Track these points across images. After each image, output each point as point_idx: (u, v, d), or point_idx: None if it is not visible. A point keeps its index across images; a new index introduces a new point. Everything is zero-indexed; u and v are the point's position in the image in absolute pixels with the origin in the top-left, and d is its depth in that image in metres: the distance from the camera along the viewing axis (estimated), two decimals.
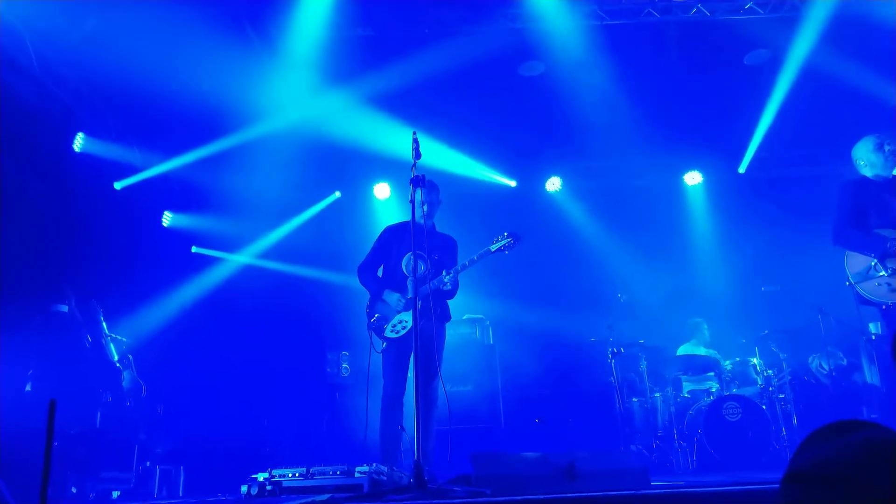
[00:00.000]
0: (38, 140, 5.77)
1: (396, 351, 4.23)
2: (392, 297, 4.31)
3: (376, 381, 4.19)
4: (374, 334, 4.28)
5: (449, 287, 4.21)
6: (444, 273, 4.23)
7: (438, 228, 4.64)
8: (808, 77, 6.60)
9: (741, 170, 8.28)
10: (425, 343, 3.88)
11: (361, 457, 3.79)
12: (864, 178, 4.14)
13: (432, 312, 3.95)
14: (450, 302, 4.51)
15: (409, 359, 4.22)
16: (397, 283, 4.37)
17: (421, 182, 3.50)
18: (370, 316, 4.35)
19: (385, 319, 4.28)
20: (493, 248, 4.28)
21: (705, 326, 6.95)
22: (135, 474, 5.37)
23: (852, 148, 4.24)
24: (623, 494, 2.06)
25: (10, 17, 5.09)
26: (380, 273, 4.56)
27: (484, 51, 6.24)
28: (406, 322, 4.22)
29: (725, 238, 8.17)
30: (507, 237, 4.28)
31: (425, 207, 4.26)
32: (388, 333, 4.24)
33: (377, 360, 4.25)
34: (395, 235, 4.56)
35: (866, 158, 4.14)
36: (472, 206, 7.49)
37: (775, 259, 7.57)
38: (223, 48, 5.82)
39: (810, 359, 6.47)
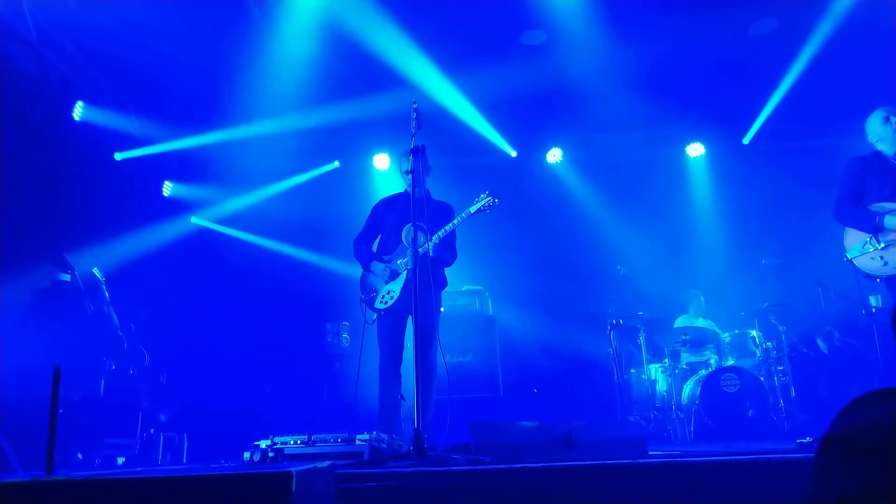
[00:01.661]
0: (37, 109, 5.73)
1: (389, 321, 4.27)
2: (378, 268, 4.33)
3: (371, 353, 4.24)
4: (366, 307, 4.31)
5: (431, 254, 4.06)
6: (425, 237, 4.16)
7: (436, 196, 4.63)
8: (817, 48, 6.51)
9: (745, 141, 8.22)
10: (419, 311, 3.85)
11: (360, 425, 3.84)
12: (874, 154, 4.14)
13: (422, 279, 3.92)
14: (449, 271, 4.51)
15: (403, 328, 4.28)
16: (389, 254, 4.38)
17: (421, 153, 3.48)
18: (364, 289, 4.37)
19: (375, 291, 4.31)
20: (473, 209, 4.17)
21: (702, 298, 6.97)
22: (139, 441, 5.44)
23: (865, 121, 4.22)
24: (620, 464, 2.09)
25: None
26: (375, 246, 4.57)
27: (486, 19, 6.14)
28: (393, 292, 4.24)
29: (727, 210, 8.14)
30: (487, 196, 4.16)
31: (410, 177, 4.26)
32: (378, 305, 4.27)
33: (371, 332, 4.30)
34: (387, 207, 4.56)
35: (875, 133, 4.12)
36: (471, 175, 7.46)
37: (777, 232, 7.56)
38: (221, 14, 5.74)
39: (818, 340, 6.48)
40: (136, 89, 6.69)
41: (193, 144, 7.23)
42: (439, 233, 4.17)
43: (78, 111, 6.19)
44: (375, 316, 4.30)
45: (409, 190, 4.34)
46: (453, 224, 4.20)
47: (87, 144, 6.27)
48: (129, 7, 5.38)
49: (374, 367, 4.32)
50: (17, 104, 5.34)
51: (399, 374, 4.26)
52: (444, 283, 4.46)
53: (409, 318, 4.26)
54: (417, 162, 3.57)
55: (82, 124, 6.24)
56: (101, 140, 6.49)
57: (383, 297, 4.28)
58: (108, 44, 5.81)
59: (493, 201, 4.15)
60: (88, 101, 6.31)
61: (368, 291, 4.34)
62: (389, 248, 4.42)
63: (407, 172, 4.28)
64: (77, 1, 5.31)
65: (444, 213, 4.47)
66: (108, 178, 6.60)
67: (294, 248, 7.94)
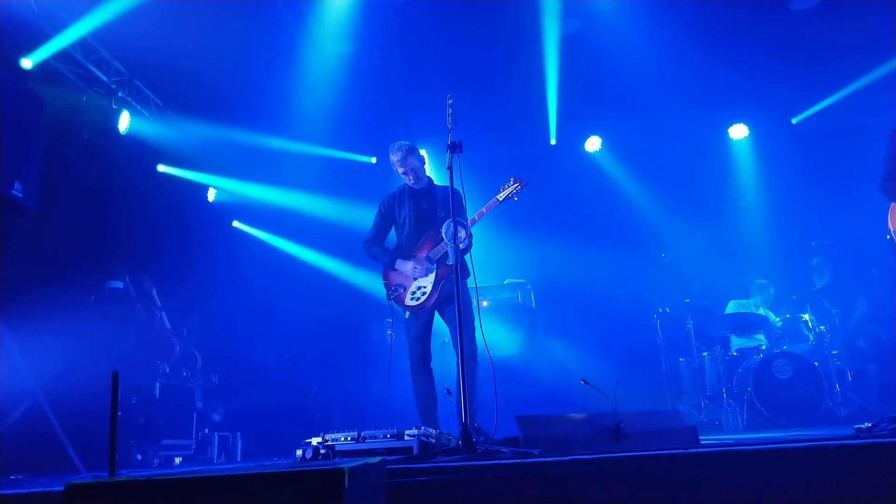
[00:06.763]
0: (84, 123, 5.95)
1: (418, 318, 4.23)
2: (406, 266, 4.27)
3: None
4: (394, 304, 4.29)
5: (463, 245, 4.04)
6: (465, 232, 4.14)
7: (466, 181, 4.55)
8: (860, 23, 6.27)
9: (795, 121, 7.96)
10: (453, 302, 3.83)
11: (407, 421, 3.85)
12: None
13: (455, 272, 3.91)
14: (490, 265, 4.48)
15: (431, 324, 4.26)
16: (407, 250, 4.35)
17: (458, 148, 3.46)
18: (388, 287, 4.34)
19: (403, 288, 4.28)
20: (501, 196, 4.17)
21: (772, 290, 6.69)
22: (195, 441, 5.61)
23: None
24: (671, 453, 2.05)
25: (53, 6, 5.21)
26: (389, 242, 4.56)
27: (518, 8, 6.09)
28: (425, 288, 4.20)
29: (774, 192, 7.91)
30: (514, 183, 4.16)
31: (411, 177, 4.29)
32: (409, 302, 4.22)
33: (401, 329, 4.32)
34: (394, 203, 4.50)
35: None
36: (509, 165, 7.41)
37: (827, 212, 7.30)
38: (256, 22, 5.86)
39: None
40: (178, 98, 6.87)
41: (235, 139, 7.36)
42: (465, 223, 4.09)
43: (123, 123, 6.37)
44: (407, 314, 4.28)
45: (409, 184, 4.38)
46: (481, 213, 4.16)
47: (133, 154, 6.46)
48: (166, 20, 5.51)
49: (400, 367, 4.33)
50: (67, 119, 5.56)
51: (431, 370, 4.24)
52: (468, 272, 4.40)
53: (436, 313, 4.27)
54: (454, 158, 3.53)
55: (127, 136, 6.43)
56: (146, 149, 6.69)
57: (413, 293, 4.23)
58: (148, 55, 5.97)
59: (520, 187, 4.13)
60: (132, 112, 6.50)
61: (395, 289, 4.30)
62: (410, 243, 4.37)
63: (448, 168, 4.26)
64: (119, 16, 5.46)
65: (454, 198, 4.41)
66: (154, 185, 6.81)
67: (335, 250, 8.00)
